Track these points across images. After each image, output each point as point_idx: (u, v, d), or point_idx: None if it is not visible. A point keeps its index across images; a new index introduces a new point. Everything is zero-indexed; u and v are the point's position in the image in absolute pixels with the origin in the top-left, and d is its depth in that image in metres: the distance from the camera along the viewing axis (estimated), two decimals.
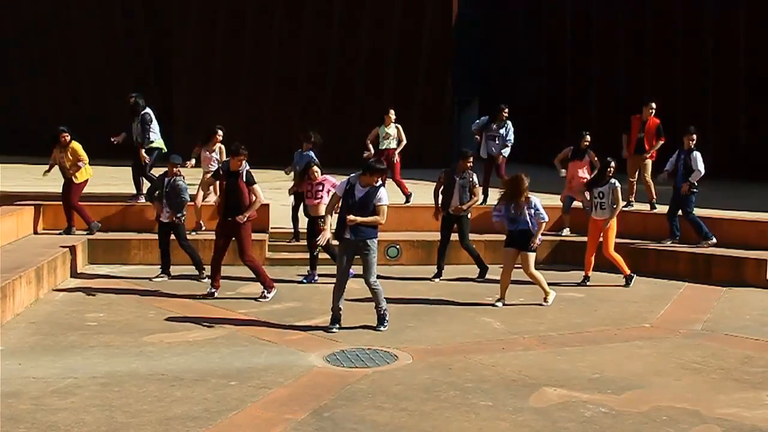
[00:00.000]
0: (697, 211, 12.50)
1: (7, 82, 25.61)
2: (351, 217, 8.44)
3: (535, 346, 8.30)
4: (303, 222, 11.84)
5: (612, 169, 11.05)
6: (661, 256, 12.35)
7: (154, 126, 13.10)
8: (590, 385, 7.06)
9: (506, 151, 13.74)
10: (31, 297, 9.47)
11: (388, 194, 8.75)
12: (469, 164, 11.40)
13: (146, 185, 12.62)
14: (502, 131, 13.68)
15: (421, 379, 7.12)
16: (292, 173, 12.85)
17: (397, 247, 12.68)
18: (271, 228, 12.90)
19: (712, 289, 11.22)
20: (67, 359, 7.46)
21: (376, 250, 8.72)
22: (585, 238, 11.70)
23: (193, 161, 12.58)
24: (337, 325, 8.67)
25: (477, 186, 11.52)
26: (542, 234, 10.34)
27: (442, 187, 11.42)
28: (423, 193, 14.32)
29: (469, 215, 11.51)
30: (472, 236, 11.62)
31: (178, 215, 10.87)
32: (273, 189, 12.99)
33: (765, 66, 21.11)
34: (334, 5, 24.59)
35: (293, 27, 24.57)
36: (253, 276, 10.19)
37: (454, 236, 11.57)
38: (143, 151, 12.88)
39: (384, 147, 13.51)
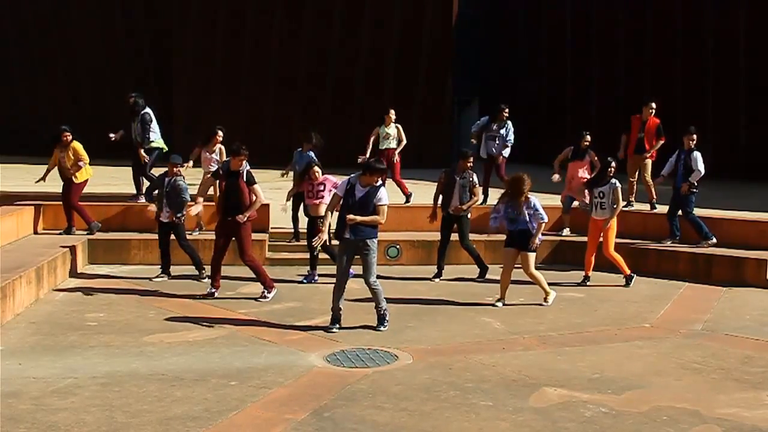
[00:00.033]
0: (697, 211, 12.50)
1: (7, 82, 25.61)
2: (351, 216, 8.44)
3: (535, 346, 8.30)
4: (303, 222, 11.84)
5: (613, 169, 11.05)
6: (662, 256, 12.35)
7: (154, 126, 13.11)
8: (590, 385, 7.06)
9: (506, 152, 13.74)
10: (31, 297, 9.48)
11: (388, 194, 8.75)
12: (469, 164, 11.40)
13: (146, 185, 12.61)
14: (503, 131, 13.68)
15: (421, 379, 7.12)
16: (286, 175, 12.80)
17: (397, 247, 12.68)
18: (271, 228, 12.90)
19: (713, 289, 11.22)
20: (67, 359, 7.46)
21: (376, 250, 8.72)
22: (585, 238, 11.71)
23: (191, 163, 12.56)
24: (337, 325, 8.67)
25: (477, 186, 11.52)
26: (542, 234, 10.36)
27: (442, 189, 11.44)
28: (423, 193, 14.32)
29: (469, 215, 11.51)
30: (472, 236, 11.62)
31: (178, 215, 10.87)
32: (273, 189, 12.98)
33: (765, 66, 21.11)
34: (334, 5, 24.58)
35: (293, 27, 24.56)
36: (253, 276, 10.19)
37: (454, 236, 11.57)
38: (142, 150, 12.89)
39: (384, 147, 13.52)
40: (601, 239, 11.21)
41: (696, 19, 22.83)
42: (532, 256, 10.02)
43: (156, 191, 11.10)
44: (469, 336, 8.64)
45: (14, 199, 12.89)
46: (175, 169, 10.97)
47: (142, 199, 12.59)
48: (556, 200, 13.58)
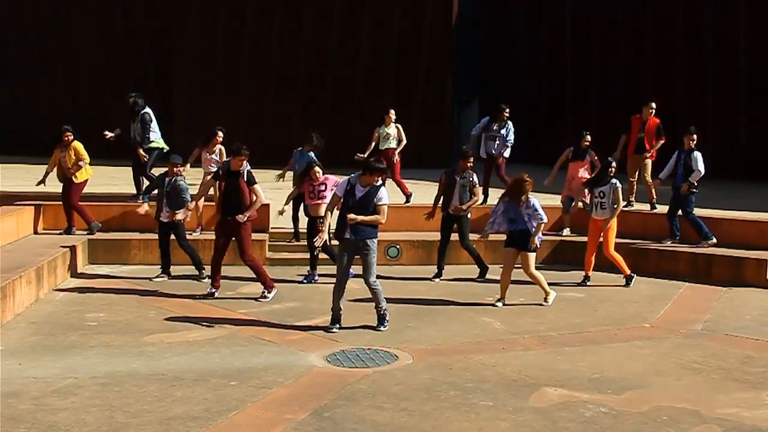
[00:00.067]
0: (697, 211, 12.50)
1: (7, 82, 25.62)
2: (351, 216, 8.44)
3: (535, 346, 8.30)
4: (303, 222, 11.84)
5: (613, 169, 11.05)
6: (662, 256, 12.35)
7: (154, 125, 13.10)
8: (590, 385, 7.05)
9: (507, 152, 13.75)
10: (31, 297, 9.47)
11: (388, 194, 8.75)
12: (469, 164, 11.40)
13: (146, 185, 12.61)
14: (503, 131, 13.68)
15: (421, 379, 7.12)
16: (282, 179, 12.75)
17: (397, 247, 12.69)
18: (271, 228, 12.90)
19: (713, 289, 11.22)
20: (68, 359, 7.45)
21: (376, 250, 8.72)
22: (585, 238, 11.71)
23: (188, 166, 12.52)
24: (338, 325, 8.67)
25: (477, 186, 11.52)
26: (543, 234, 10.37)
27: (444, 189, 11.44)
28: (423, 193, 14.32)
29: (469, 215, 11.51)
30: (472, 236, 11.62)
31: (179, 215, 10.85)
32: (273, 189, 12.97)
33: (765, 66, 21.12)
34: (334, 5, 24.59)
35: (293, 27, 24.57)
36: (254, 276, 10.19)
37: (454, 236, 11.57)
38: (141, 149, 12.88)
39: (384, 147, 13.52)
40: (601, 239, 11.21)
41: (696, 19, 22.84)
42: (532, 256, 10.02)
43: (156, 191, 11.10)
44: (469, 336, 8.64)
45: (14, 199, 12.89)
46: (175, 169, 10.97)
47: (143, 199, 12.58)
48: (556, 200, 13.59)
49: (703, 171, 12.30)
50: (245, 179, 9.93)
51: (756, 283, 11.39)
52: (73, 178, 12.21)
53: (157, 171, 12.51)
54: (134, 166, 13.26)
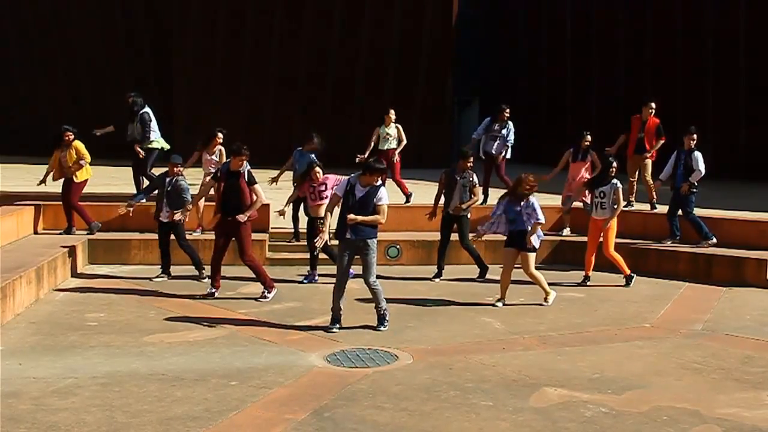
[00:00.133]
0: (697, 211, 12.50)
1: (7, 82, 25.61)
2: (351, 216, 8.44)
3: (535, 346, 8.30)
4: (303, 222, 11.84)
5: (614, 169, 11.05)
6: (662, 256, 12.35)
7: (154, 125, 13.09)
8: (590, 385, 7.06)
9: (507, 152, 13.75)
10: (31, 297, 9.47)
11: (388, 194, 8.75)
12: (469, 164, 11.41)
13: (146, 185, 12.60)
14: (504, 132, 13.70)
15: (421, 379, 7.12)
16: (274, 183, 12.70)
17: (398, 247, 12.69)
18: (271, 228, 12.90)
19: (713, 289, 11.22)
20: (68, 359, 7.45)
21: (376, 250, 8.72)
22: (585, 238, 11.71)
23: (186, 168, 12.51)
24: (338, 325, 8.67)
25: (477, 186, 11.53)
26: (543, 234, 10.37)
27: (444, 189, 11.45)
28: (423, 193, 14.32)
29: (469, 215, 11.51)
30: (471, 236, 11.61)
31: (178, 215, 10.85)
32: (273, 189, 12.96)
33: (765, 66, 21.12)
34: (334, 5, 24.59)
35: (293, 27, 24.56)
36: (254, 276, 10.19)
37: (454, 236, 11.57)
38: (138, 147, 12.88)
39: (384, 147, 13.52)
40: (601, 239, 11.21)
41: (696, 19, 22.84)
42: (532, 256, 10.02)
43: (156, 191, 11.09)
44: (470, 336, 8.64)
45: (14, 199, 12.88)
46: (175, 169, 10.97)
47: (144, 200, 12.56)
48: (556, 200, 13.58)
49: (703, 171, 12.30)
50: (246, 179, 9.93)
51: (756, 283, 11.39)
52: (73, 177, 12.21)
53: (157, 171, 12.50)
54: (134, 166, 13.25)
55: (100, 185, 14.42)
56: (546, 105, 27.33)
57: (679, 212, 12.48)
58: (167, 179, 10.95)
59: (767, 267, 11.45)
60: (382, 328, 8.70)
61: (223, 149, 12.54)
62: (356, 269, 9.09)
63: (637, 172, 13.84)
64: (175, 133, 19.00)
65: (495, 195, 11.91)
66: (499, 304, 10.00)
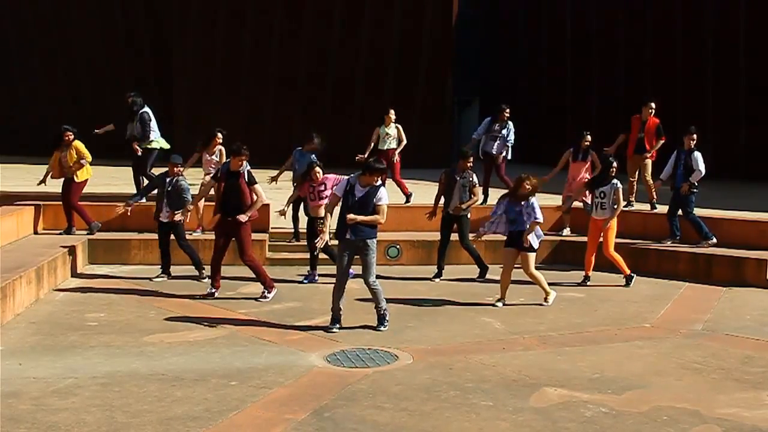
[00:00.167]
0: (697, 211, 12.50)
1: (7, 82, 25.60)
2: (351, 216, 8.44)
3: (535, 346, 8.30)
4: (303, 222, 11.84)
5: (614, 169, 11.06)
6: (662, 256, 12.35)
7: (153, 125, 13.09)
8: (590, 385, 7.06)
9: (507, 152, 13.75)
10: (31, 297, 9.47)
11: (388, 194, 8.75)
12: (469, 164, 11.41)
13: (146, 184, 12.60)
14: (504, 132, 13.70)
15: (421, 379, 7.12)
16: (274, 182, 12.69)
17: (398, 247, 12.69)
18: (271, 228, 12.90)
19: (713, 289, 11.22)
20: (68, 359, 7.45)
21: (376, 251, 8.72)
22: (585, 238, 11.71)
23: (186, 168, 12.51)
24: (338, 325, 8.67)
25: (477, 186, 11.53)
26: (543, 234, 10.37)
27: (444, 189, 11.45)
28: (423, 193, 14.32)
29: (468, 215, 11.51)
30: (472, 236, 11.61)
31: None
32: (273, 189, 12.96)
33: (765, 66, 21.12)
34: (334, 5, 24.58)
35: (293, 27, 24.56)
36: (254, 276, 10.19)
37: (454, 236, 11.57)
38: (136, 144, 12.87)
39: (384, 147, 13.52)
40: (601, 239, 11.21)
41: (696, 19, 22.85)
42: (532, 256, 10.02)
43: (156, 190, 11.09)
44: (470, 336, 8.64)
45: (14, 199, 12.88)
46: (175, 169, 10.96)
47: (143, 199, 12.58)
48: (556, 200, 13.56)
49: (703, 171, 12.30)
50: (246, 179, 9.93)
51: (756, 283, 11.39)
52: (74, 177, 12.21)
53: (157, 171, 12.49)
54: (134, 166, 13.26)
55: (100, 185, 14.42)
56: (546, 105, 27.33)
57: (679, 212, 12.48)
58: (167, 179, 10.94)
59: (767, 267, 11.45)
60: (382, 328, 8.70)
61: (223, 149, 12.53)
62: (356, 269, 9.09)
63: (637, 172, 13.84)
64: (175, 133, 19.00)
65: (495, 195, 11.91)
66: (499, 304, 10.00)
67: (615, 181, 11.05)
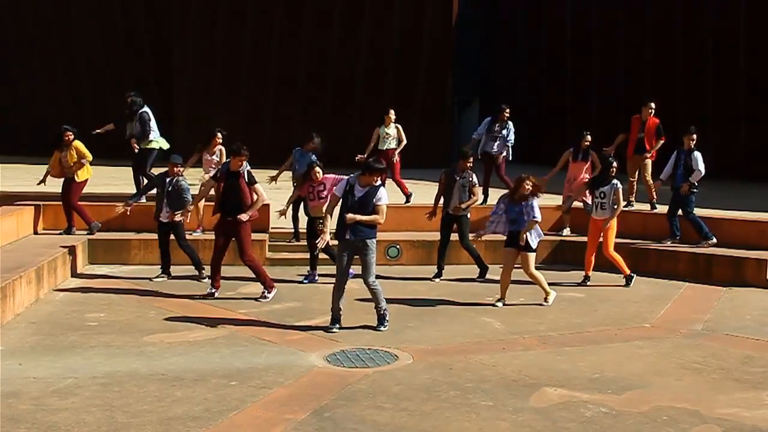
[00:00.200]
0: (697, 211, 12.50)
1: (7, 82, 25.61)
2: (350, 215, 8.45)
3: (535, 346, 8.30)
4: (303, 222, 11.83)
5: (614, 169, 11.06)
6: (662, 256, 12.35)
7: (153, 124, 13.09)
8: (590, 385, 7.06)
9: (507, 152, 13.75)
10: (31, 297, 9.47)
11: (388, 194, 8.75)
12: (469, 164, 11.41)
13: (145, 184, 12.60)
14: (504, 132, 13.70)
15: (421, 379, 7.12)
16: (274, 182, 12.67)
17: (398, 247, 12.68)
18: (271, 228, 12.89)
19: (713, 289, 11.22)
20: (68, 359, 7.45)
21: (375, 251, 8.72)
22: (585, 238, 11.71)
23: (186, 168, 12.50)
24: (338, 325, 8.67)
25: (477, 186, 11.53)
26: (543, 234, 10.37)
27: (444, 189, 11.45)
28: (423, 193, 14.32)
29: (468, 215, 11.51)
30: (471, 236, 11.61)
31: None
32: (273, 189, 12.95)
33: (765, 66, 21.13)
34: (334, 5, 24.59)
35: (293, 27, 24.57)
36: (253, 276, 10.18)
37: (454, 236, 11.57)
38: (134, 141, 12.87)
39: (384, 147, 13.52)
40: (601, 239, 11.21)
41: (696, 19, 22.85)
42: (532, 256, 10.02)
43: (156, 190, 11.08)
44: (470, 336, 8.64)
45: (14, 199, 12.88)
46: (175, 169, 10.96)
47: (143, 199, 12.58)
48: (556, 200, 13.56)
49: (703, 171, 12.30)
50: (246, 179, 9.93)
51: (756, 283, 11.39)
52: (75, 177, 12.21)
53: (156, 171, 12.49)
54: (134, 166, 13.26)
55: (100, 185, 14.42)
56: (546, 105, 27.33)
57: (679, 212, 12.48)
58: (167, 179, 10.94)
59: (767, 267, 11.45)
60: (382, 328, 8.70)
61: (223, 149, 12.53)
62: (356, 269, 9.09)
63: (637, 172, 13.84)
64: (175, 133, 19.01)
65: (495, 195, 11.91)
66: (499, 304, 10.00)
67: (615, 181, 11.05)
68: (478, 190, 11.79)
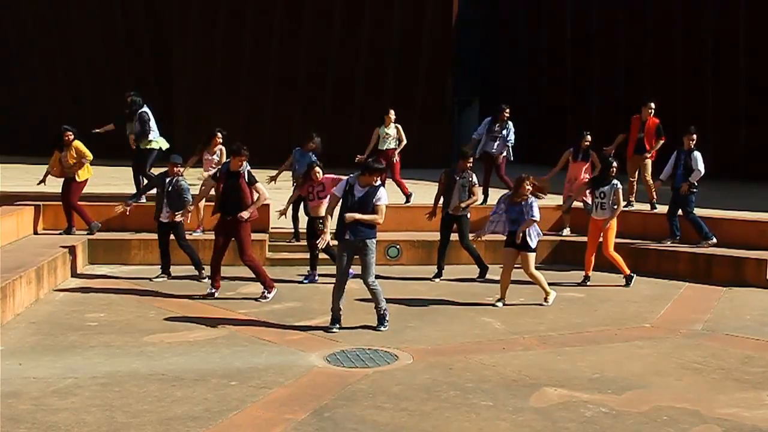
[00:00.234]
0: (697, 211, 12.50)
1: (7, 82, 25.61)
2: (349, 214, 8.45)
3: (535, 346, 8.30)
4: (303, 222, 11.84)
5: (614, 170, 11.06)
6: (662, 256, 12.35)
7: (152, 124, 13.09)
8: (590, 385, 7.06)
9: (507, 152, 13.75)
10: (31, 297, 9.47)
11: (387, 194, 8.75)
12: (469, 164, 11.41)
13: (145, 184, 12.60)
14: (504, 132, 13.70)
15: (421, 379, 7.12)
16: (273, 182, 12.67)
17: (398, 247, 12.68)
18: (271, 228, 12.90)
19: (713, 289, 11.22)
20: (68, 359, 7.45)
21: (375, 251, 8.72)
22: (585, 238, 11.71)
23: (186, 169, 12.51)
24: (338, 325, 8.67)
25: (476, 186, 11.53)
26: (543, 234, 10.37)
27: (443, 189, 11.45)
28: (423, 193, 14.32)
29: (468, 215, 11.51)
30: (471, 236, 11.60)
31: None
32: (273, 189, 12.94)
33: (765, 66, 21.13)
34: (334, 5, 24.59)
35: (293, 27, 24.57)
36: (253, 276, 10.18)
37: (454, 236, 11.57)
38: (132, 138, 12.87)
39: (384, 147, 13.52)
40: (601, 239, 11.21)
41: (696, 19, 22.85)
42: (532, 256, 10.02)
43: (155, 190, 11.08)
44: (470, 336, 8.64)
45: (14, 199, 12.88)
46: (175, 169, 10.96)
47: (143, 199, 12.58)
48: (556, 200, 13.55)
49: (703, 171, 12.30)
50: (246, 179, 9.93)
51: (756, 283, 11.39)
52: (75, 176, 12.21)
53: (156, 171, 12.49)
54: (134, 166, 13.26)
55: (100, 185, 14.42)
56: (546, 105, 27.34)
57: (679, 212, 12.48)
58: (167, 179, 10.94)
59: (767, 267, 11.45)
60: (382, 328, 8.70)
61: (223, 149, 12.53)
62: (356, 269, 9.09)
63: (637, 172, 13.84)
64: (175, 133, 19.02)
65: (495, 195, 11.91)
66: (499, 304, 10.00)
67: (615, 181, 11.05)
68: (478, 190, 11.79)
